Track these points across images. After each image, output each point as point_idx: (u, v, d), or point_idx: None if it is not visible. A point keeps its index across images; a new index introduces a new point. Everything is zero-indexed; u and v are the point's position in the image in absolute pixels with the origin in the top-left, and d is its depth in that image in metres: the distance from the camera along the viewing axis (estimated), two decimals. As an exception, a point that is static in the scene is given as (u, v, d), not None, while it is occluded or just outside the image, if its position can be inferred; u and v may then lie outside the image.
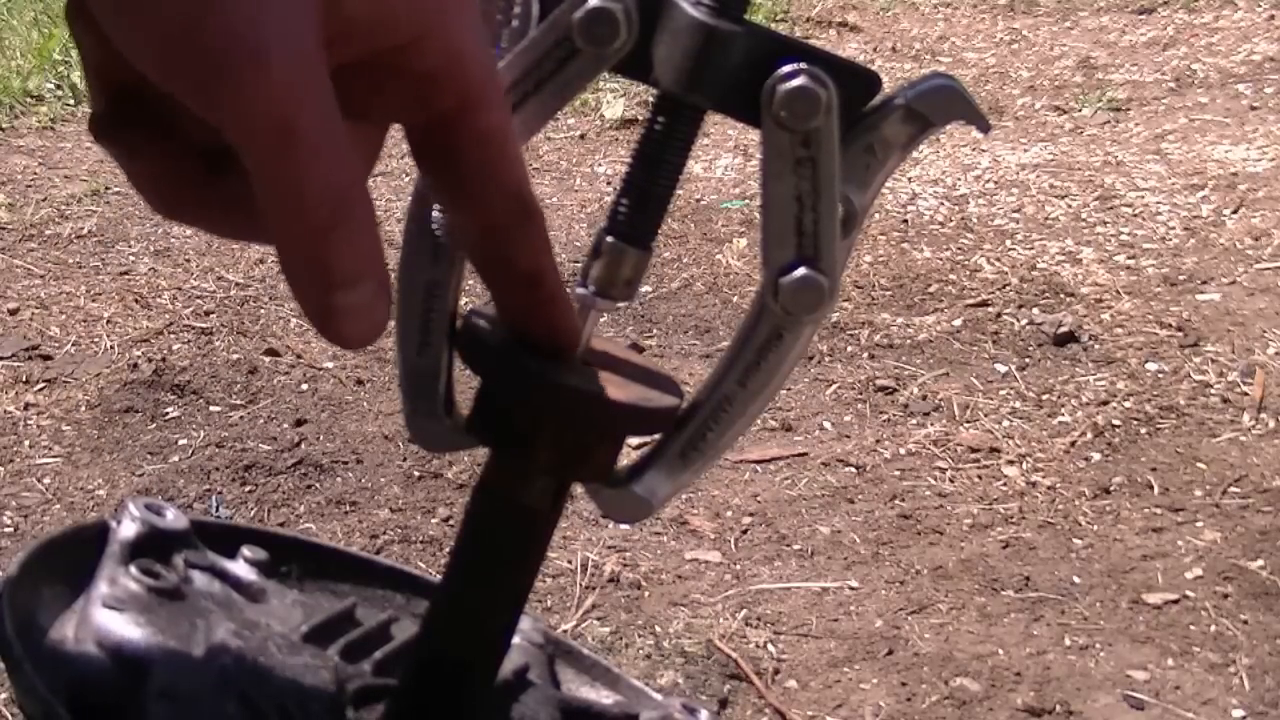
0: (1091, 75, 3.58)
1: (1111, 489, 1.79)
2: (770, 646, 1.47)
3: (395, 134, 0.42)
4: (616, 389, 0.45)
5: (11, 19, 3.71)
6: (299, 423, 1.86)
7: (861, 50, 3.87)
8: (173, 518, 0.56)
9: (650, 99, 0.46)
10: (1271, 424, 1.93)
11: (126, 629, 0.49)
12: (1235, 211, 2.65)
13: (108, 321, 2.13)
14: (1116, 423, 1.93)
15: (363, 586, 0.65)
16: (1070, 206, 2.72)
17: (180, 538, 0.56)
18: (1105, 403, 1.98)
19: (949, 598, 1.56)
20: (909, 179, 2.86)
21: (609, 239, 0.46)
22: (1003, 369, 2.10)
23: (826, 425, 1.93)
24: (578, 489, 0.50)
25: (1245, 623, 1.52)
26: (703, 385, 0.49)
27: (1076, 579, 1.60)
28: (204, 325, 2.13)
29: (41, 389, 1.92)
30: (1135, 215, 2.67)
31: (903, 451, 1.86)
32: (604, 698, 0.65)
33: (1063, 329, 2.18)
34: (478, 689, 0.52)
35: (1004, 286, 2.36)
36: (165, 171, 0.39)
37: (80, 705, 0.46)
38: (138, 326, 2.12)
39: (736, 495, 1.75)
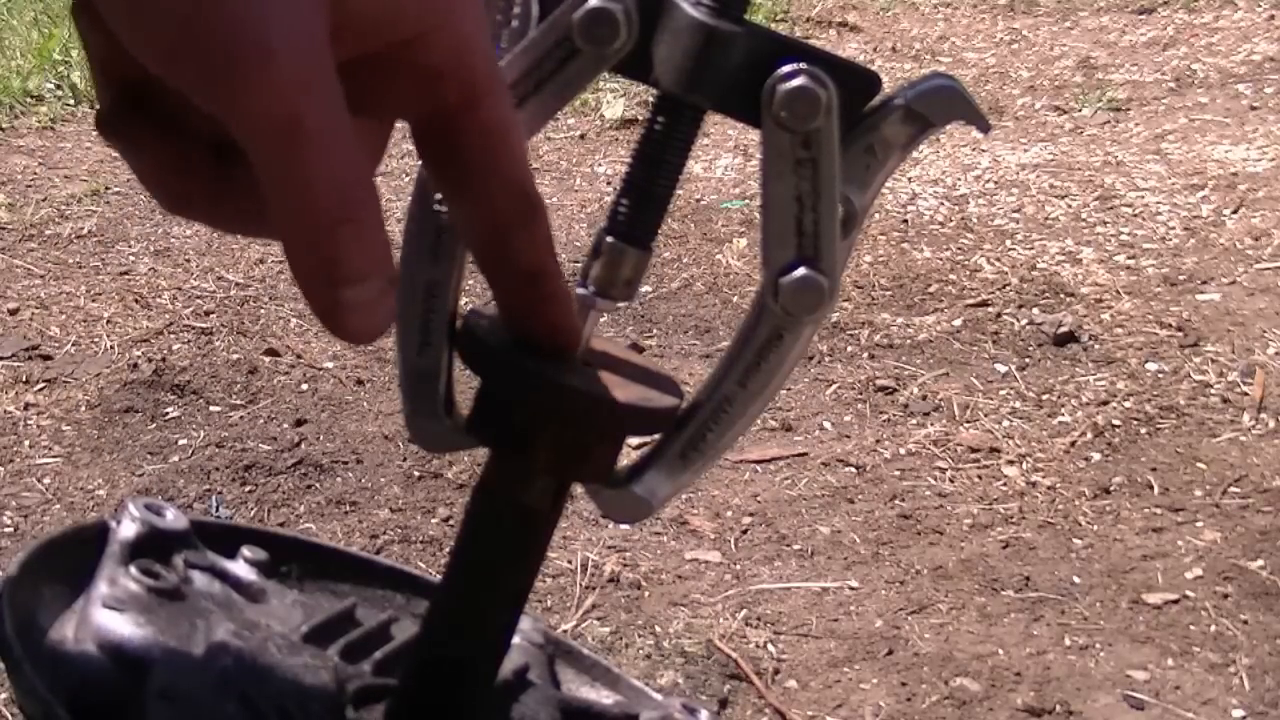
0: (1091, 75, 3.58)
1: (1111, 489, 1.79)
2: (770, 646, 1.47)
3: (394, 134, 0.42)
4: (617, 389, 0.45)
5: (11, 19, 3.71)
6: (299, 423, 1.86)
7: (861, 50, 3.87)
8: (173, 518, 0.56)
9: (650, 99, 0.46)
10: (1271, 424, 1.93)
11: (126, 629, 0.49)
12: (1235, 211, 2.65)
13: (108, 321, 2.13)
14: (1116, 423, 1.93)
15: (363, 586, 0.65)
16: (1070, 206, 2.72)
17: (180, 538, 0.56)
18: (1105, 403, 1.99)
19: (949, 598, 1.56)
20: (909, 179, 2.86)
21: (609, 239, 0.46)
22: (1003, 369, 2.10)
23: (826, 425, 1.93)
24: (578, 489, 0.50)
25: (1245, 623, 1.52)
26: (703, 385, 0.49)
27: (1076, 579, 1.60)
28: (204, 325, 2.13)
29: (41, 389, 1.92)
30: (1135, 215, 2.67)
31: (903, 451, 1.86)
32: (604, 698, 0.65)
33: (1063, 329, 2.18)
34: (478, 689, 0.52)
35: (1004, 286, 2.36)
36: (172, 167, 0.39)
37: (80, 705, 0.46)
38: (138, 326, 2.12)
39: (736, 495, 1.75)
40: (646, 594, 1.55)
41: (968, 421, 1.94)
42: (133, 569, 0.52)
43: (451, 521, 1.65)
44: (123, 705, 0.47)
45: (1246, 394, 2.00)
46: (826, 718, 1.37)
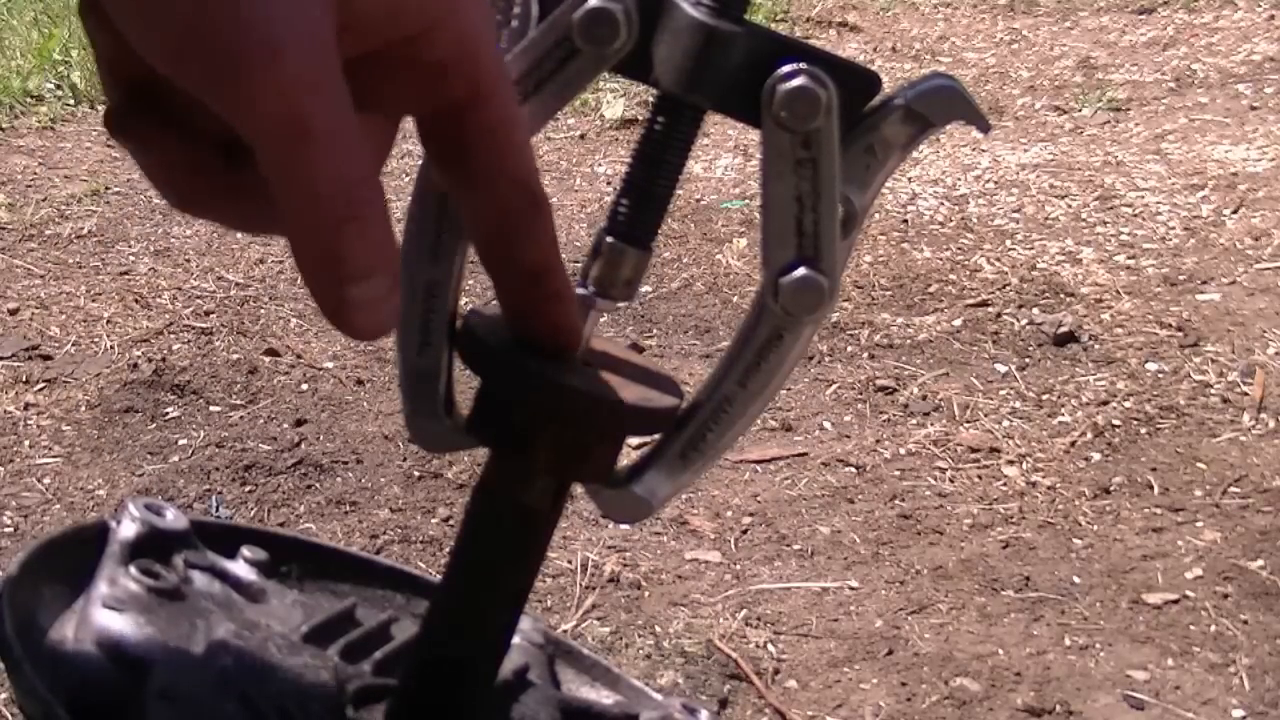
0: (1091, 75, 3.58)
1: (1111, 489, 1.79)
2: (770, 646, 1.47)
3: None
4: (617, 389, 0.45)
5: (11, 19, 3.71)
6: (299, 423, 1.86)
7: (861, 50, 3.87)
8: (173, 518, 0.56)
9: (650, 99, 0.46)
10: (1271, 424, 1.93)
11: (126, 629, 0.49)
12: (1235, 211, 2.65)
13: (108, 321, 2.13)
14: (1116, 423, 1.93)
15: (363, 586, 0.65)
16: (1070, 206, 2.72)
17: (180, 538, 0.56)
18: (1105, 403, 1.99)
19: (949, 598, 1.56)
20: (909, 179, 2.86)
21: (609, 239, 0.46)
22: (1003, 369, 2.10)
23: (826, 425, 1.93)
24: (578, 489, 0.50)
25: (1245, 623, 1.52)
26: (703, 385, 0.49)
27: (1076, 579, 1.60)
28: (204, 325, 2.13)
29: (41, 389, 1.92)
30: (1135, 215, 2.67)
31: (903, 451, 1.86)
32: (604, 698, 0.65)
33: (1063, 329, 2.18)
34: (478, 689, 0.52)
35: (1004, 286, 2.36)
36: (180, 164, 0.39)
37: (80, 705, 0.46)
38: (138, 326, 2.12)
39: (736, 495, 1.75)
40: (646, 594, 1.55)
41: (968, 421, 1.94)
42: (133, 569, 0.52)
43: (451, 521, 1.65)
44: (123, 705, 0.47)
45: (1246, 394, 2.00)
46: (826, 718, 1.37)
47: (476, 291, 1.79)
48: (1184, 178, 2.84)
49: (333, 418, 1.88)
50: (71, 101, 3.20)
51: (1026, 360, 2.12)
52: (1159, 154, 3.00)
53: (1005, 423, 1.94)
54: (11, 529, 1.60)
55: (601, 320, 0.47)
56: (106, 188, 2.69)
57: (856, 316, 2.25)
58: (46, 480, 1.70)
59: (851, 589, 1.58)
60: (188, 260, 2.37)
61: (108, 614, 0.49)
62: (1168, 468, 1.83)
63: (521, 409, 0.46)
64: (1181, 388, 2.02)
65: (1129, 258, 2.48)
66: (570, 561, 1.58)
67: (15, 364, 1.98)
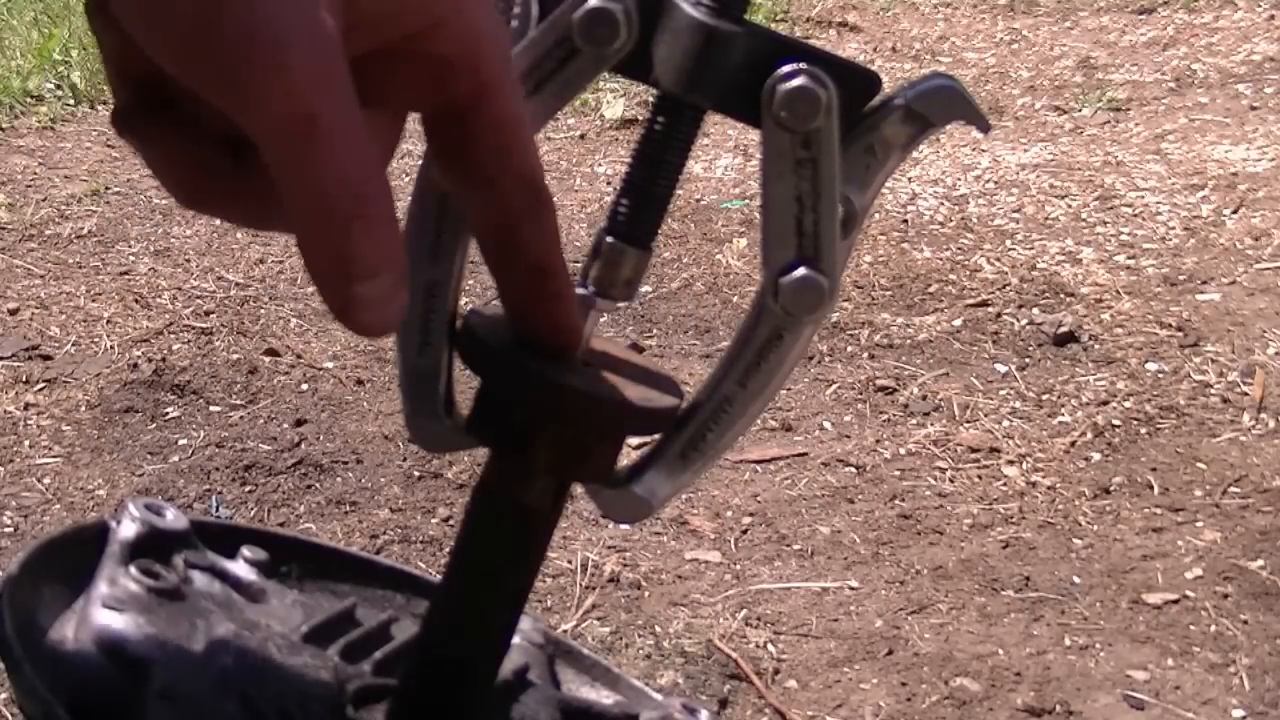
0: (1091, 75, 3.58)
1: (1111, 489, 1.79)
2: (770, 646, 1.47)
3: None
4: (617, 389, 0.45)
5: (11, 19, 3.70)
6: (299, 423, 1.86)
7: (861, 50, 3.87)
8: (173, 518, 0.56)
9: (650, 99, 0.46)
10: (1271, 424, 1.93)
11: (126, 629, 0.49)
12: (1235, 211, 2.65)
13: (108, 321, 2.13)
14: (1116, 423, 1.93)
15: (363, 586, 0.65)
16: (1070, 206, 2.72)
17: (180, 538, 0.56)
18: (1105, 403, 1.98)
19: (949, 598, 1.56)
20: (909, 179, 2.86)
21: (609, 239, 0.46)
22: (1003, 369, 2.10)
23: (826, 425, 1.93)
24: (578, 489, 0.50)
25: (1245, 623, 1.52)
26: (703, 385, 0.49)
27: (1076, 579, 1.60)
28: (204, 325, 2.13)
29: (41, 389, 1.92)
30: (1135, 215, 2.67)
31: (903, 451, 1.86)
32: (604, 698, 0.65)
33: (1063, 329, 2.18)
34: (478, 689, 0.52)
35: (1004, 286, 2.36)
36: (187, 163, 0.40)
37: (80, 705, 0.46)
38: (138, 326, 2.12)
39: (736, 495, 1.75)
40: (646, 594, 1.55)
41: (968, 421, 1.94)
42: (133, 569, 0.52)
43: (451, 521, 1.65)
44: (123, 705, 0.47)
45: (1246, 394, 2.00)
46: (826, 718, 1.37)
47: (476, 291, 1.79)
48: (1184, 178, 2.84)
49: (333, 418, 1.88)
50: (71, 101, 3.20)
51: (1026, 360, 2.12)
52: (1159, 154, 3.00)
53: (1005, 423, 1.94)
54: (11, 529, 1.60)
55: (601, 320, 0.47)
56: (106, 188, 2.69)
57: (856, 316, 2.25)
58: (46, 480, 1.70)
59: (851, 589, 1.58)
60: (188, 260, 2.37)
61: (108, 614, 0.49)
62: (1168, 468, 1.83)
63: (522, 409, 0.46)
64: (1181, 388, 2.02)
65: (1129, 258, 2.48)
66: (570, 561, 1.58)
67: (15, 364, 1.98)
